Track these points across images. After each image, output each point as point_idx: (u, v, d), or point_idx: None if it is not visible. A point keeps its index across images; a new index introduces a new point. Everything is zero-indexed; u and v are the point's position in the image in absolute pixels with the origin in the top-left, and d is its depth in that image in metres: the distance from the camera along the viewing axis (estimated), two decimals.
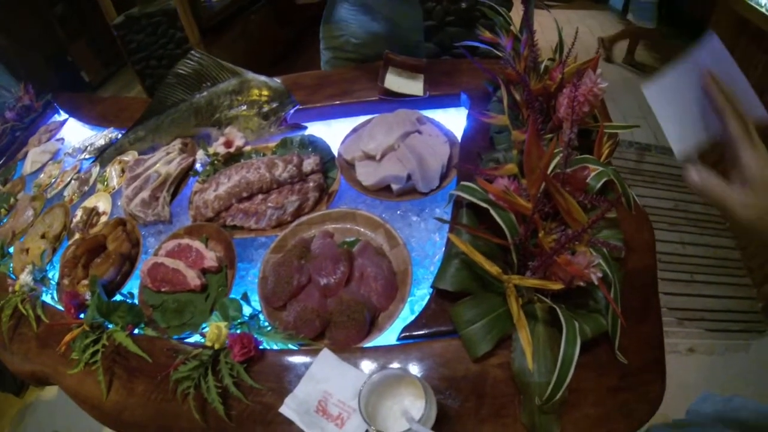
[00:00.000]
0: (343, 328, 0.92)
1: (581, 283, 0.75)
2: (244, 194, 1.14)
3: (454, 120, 1.39)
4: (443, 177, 1.19)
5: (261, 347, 0.94)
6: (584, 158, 0.95)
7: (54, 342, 1.27)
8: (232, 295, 1.04)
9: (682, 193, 2.38)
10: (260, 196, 1.14)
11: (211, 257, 1.10)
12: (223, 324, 0.95)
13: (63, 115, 2.15)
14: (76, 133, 1.99)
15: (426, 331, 0.88)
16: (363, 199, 1.17)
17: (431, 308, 0.91)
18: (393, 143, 1.20)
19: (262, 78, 1.37)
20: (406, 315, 0.96)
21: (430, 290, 0.95)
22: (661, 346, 0.81)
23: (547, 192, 0.80)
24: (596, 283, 0.72)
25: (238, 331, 0.96)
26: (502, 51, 1.33)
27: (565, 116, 1.05)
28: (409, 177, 1.16)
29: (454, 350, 0.84)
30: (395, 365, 0.80)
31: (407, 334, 0.89)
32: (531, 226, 0.82)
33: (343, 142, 1.29)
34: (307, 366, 0.90)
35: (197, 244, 1.13)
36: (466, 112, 1.40)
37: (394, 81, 1.41)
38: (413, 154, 1.17)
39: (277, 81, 1.39)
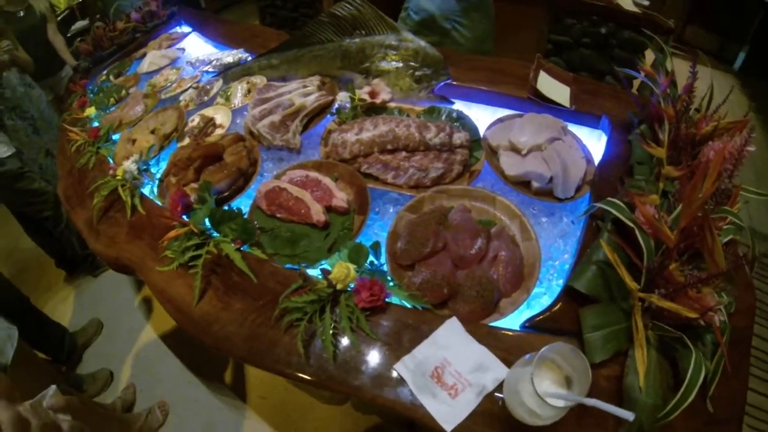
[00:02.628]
0: (470, 303, 0.89)
1: (702, 322, 0.76)
2: (389, 147, 1.12)
3: (587, 139, 1.36)
4: (577, 189, 1.16)
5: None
6: (725, 210, 0.95)
7: (146, 234, 1.25)
8: (357, 241, 1.01)
9: (764, 283, 2.28)
10: (404, 153, 1.11)
11: (341, 197, 1.07)
12: (352, 266, 0.92)
13: (185, 29, 2.17)
14: (196, 47, 2.00)
15: (551, 325, 0.86)
16: (500, 186, 1.14)
17: (558, 306, 0.88)
18: (541, 143, 1.17)
19: (422, 42, 1.35)
20: (523, 308, 0.93)
21: (549, 291, 0.97)
22: (742, 407, 0.80)
23: (688, 229, 0.82)
24: (717, 325, 0.74)
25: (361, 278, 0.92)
26: (656, 87, 1.31)
27: (717, 166, 1.04)
28: (550, 179, 1.13)
29: None
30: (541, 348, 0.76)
31: (533, 323, 0.86)
32: (669, 257, 0.81)
33: (488, 128, 1.26)
34: (428, 330, 0.87)
35: (327, 181, 1.11)
36: (601, 134, 1.38)
37: (545, 85, 1.37)
38: (559, 159, 1.14)
39: (434, 49, 1.36)
